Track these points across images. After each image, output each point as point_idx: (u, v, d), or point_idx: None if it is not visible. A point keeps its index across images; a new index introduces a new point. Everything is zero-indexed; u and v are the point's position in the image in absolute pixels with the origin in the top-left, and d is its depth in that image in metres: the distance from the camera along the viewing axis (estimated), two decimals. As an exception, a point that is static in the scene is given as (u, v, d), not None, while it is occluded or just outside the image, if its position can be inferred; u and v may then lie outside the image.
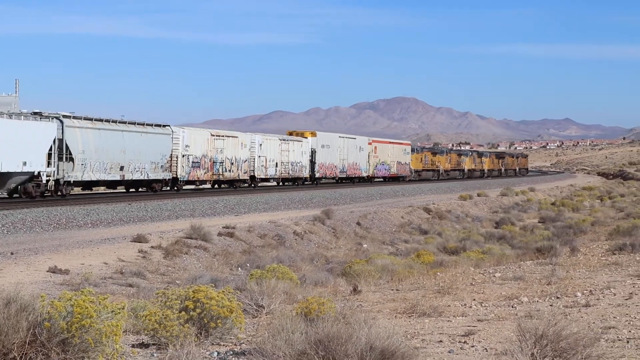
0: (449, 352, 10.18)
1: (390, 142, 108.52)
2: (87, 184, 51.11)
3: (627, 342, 10.50)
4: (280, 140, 76.81)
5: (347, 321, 9.84)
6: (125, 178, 53.11)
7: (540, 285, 16.33)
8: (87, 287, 11.26)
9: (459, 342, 10.82)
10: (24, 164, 42.28)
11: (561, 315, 11.97)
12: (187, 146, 60.56)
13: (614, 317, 12.34)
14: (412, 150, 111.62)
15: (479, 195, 72.17)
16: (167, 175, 57.92)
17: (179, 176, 59.65)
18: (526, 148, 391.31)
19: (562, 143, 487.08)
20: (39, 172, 43.70)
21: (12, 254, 23.85)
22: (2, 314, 9.39)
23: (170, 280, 23.01)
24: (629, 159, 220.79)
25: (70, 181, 47.41)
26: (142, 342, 10.96)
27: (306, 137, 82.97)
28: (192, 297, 10.84)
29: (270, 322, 11.79)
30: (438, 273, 20.57)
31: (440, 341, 10.92)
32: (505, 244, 37.21)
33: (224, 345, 10.85)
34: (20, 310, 9.48)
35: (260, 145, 72.42)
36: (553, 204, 69.76)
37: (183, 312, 10.64)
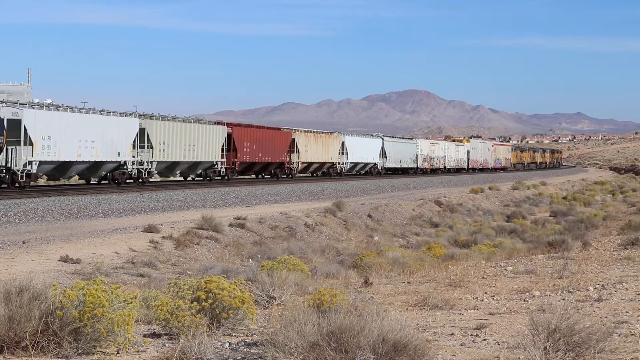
0: (461, 345, 10.15)
1: (501, 144, 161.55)
2: (388, 170, 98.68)
3: (640, 336, 10.45)
4: (456, 145, 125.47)
5: (359, 313, 9.82)
6: (401, 166, 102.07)
7: (552, 279, 16.28)
8: (99, 277, 11.26)
9: (471, 335, 10.80)
10: (373, 158, 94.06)
11: (573, 309, 11.92)
12: (421, 149, 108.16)
13: (627, 312, 12.29)
14: (512, 149, 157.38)
15: (490, 188, 72.07)
16: (414, 165, 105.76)
17: (418, 166, 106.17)
18: (538, 142, 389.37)
19: (574, 137, 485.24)
20: (375, 163, 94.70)
21: (23, 243, 23.92)
22: (14, 303, 9.41)
23: (181, 271, 23.04)
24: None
25: (385, 167, 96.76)
26: (154, 332, 10.97)
27: (464, 143, 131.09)
28: (204, 288, 10.83)
29: (282, 313, 11.79)
30: (449, 266, 20.55)
31: (452, 334, 10.90)
32: (516, 238, 37.19)
33: (235, 336, 10.85)
34: (32, 299, 9.50)
35: (447, 148, 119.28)
36: (564, 198, 69.64)
37: (195, 303, 10.63)
